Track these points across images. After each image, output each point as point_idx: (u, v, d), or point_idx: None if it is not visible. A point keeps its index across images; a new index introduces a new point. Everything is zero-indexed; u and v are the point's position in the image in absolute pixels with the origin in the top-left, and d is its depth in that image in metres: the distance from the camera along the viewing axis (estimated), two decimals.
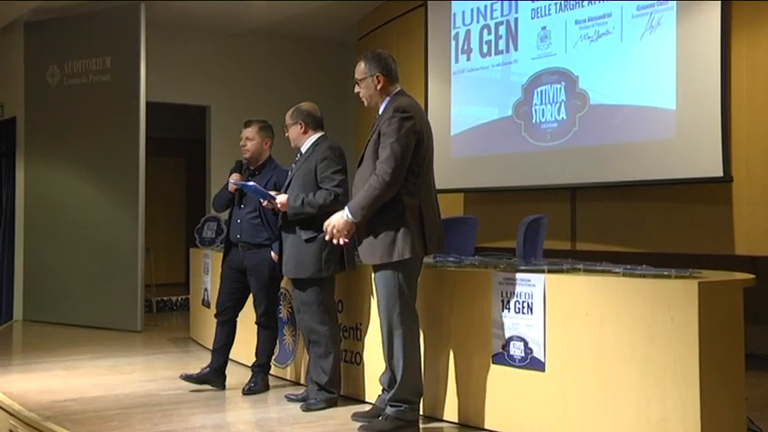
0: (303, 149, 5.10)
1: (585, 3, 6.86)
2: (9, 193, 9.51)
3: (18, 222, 9.33)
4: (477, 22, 7.93)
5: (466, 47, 8.07)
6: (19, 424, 5.12)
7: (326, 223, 4.32)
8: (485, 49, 7.86)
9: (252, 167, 5.51)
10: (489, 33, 7.80)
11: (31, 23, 9.17)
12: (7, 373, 6.29)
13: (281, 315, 5.80)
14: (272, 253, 5.26)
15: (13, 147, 9.42)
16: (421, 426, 4.41)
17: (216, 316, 5.55)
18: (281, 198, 4.93)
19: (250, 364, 5.59)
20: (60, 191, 9.01)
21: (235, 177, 5.37)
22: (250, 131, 5.47)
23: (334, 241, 4.32)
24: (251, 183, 5.17)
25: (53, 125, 9.10)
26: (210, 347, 5.82)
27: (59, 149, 9.05)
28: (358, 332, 5.17)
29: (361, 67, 4.40)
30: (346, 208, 4.25)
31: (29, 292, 9.21)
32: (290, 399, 5.14)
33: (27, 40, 9.27)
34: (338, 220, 4.25)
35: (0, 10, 8.98)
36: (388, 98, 4.35)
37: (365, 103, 4.47)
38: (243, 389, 5.44)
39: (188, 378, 5.47)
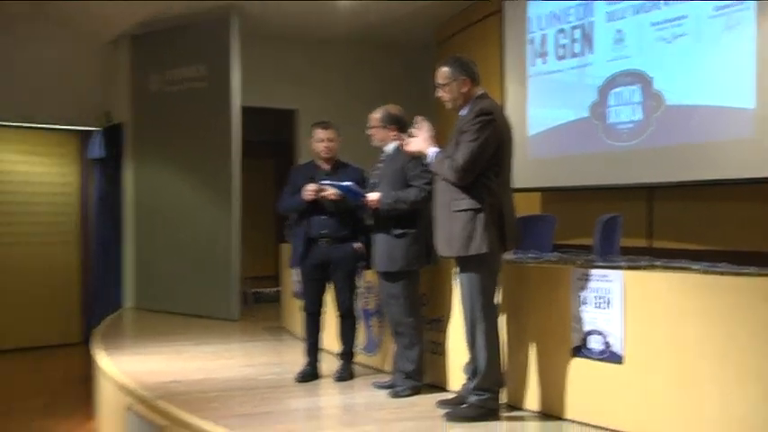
0: (388, 150, 5.14)
1: (661, 4, 6.72)
2: (117, 192, 9.82)
3: (128, 219, 9.63)
4: (553, 26, 7.86)
5: (542, 51, 8.00)
6: (135, 402, 5.31)
7: (418, 135, 4.46)
8: (560, 52, 7.79)
9: (327, 167, 5.54)
10: (565, 37, 7.73)
11: (136, 37, 9.44)
12: (121, 356, 6.48)
13: (369, 307, 5.86)
14: (357, 245, 5.32)
15: (121, 150, 9.71)
16: (503, 414, 4.41)
17: (309, 314, 5.57)
18: (374, 196, 4.98)
19: (336, 353, 5.66)
20: (163, 190, 9.26)
21: (312, 187, 5.34)
22: (332, 133, 5.50)
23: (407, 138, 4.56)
24: (346, 183, 5.21)
25: (155, 130, 9.36)
26: (300, 337, 5.90)
27: (161, 152, 9.30)
28: (440, 324, 5.18)
29: (445, 72, 4.39)
30: (435, 150, 4.36)
31: (139, 283, 9.51)
32: (377, 386, 5.18)
33: (132, 52, 9.54)
34: (427, 143, 4.41)
35: (108, 25, 9.31)
36: (471, 101, 4.35)
37: (449, 106, 4.45)
38: (333, 376, 5.50)
39: (303, 379, 5.48)
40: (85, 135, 10.46)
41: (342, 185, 5.18)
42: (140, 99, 9.50)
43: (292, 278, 7.31)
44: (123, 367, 6.00)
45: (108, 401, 6.15)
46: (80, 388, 7.40)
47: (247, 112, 8.99)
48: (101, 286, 10.07)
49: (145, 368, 6.01)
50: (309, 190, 5.30)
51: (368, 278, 5.72)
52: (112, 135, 9.82)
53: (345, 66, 10.70)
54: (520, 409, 4.55)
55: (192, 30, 8.98)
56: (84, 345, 8.64)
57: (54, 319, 10.51)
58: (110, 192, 9.97)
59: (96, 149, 10.15)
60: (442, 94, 4.42)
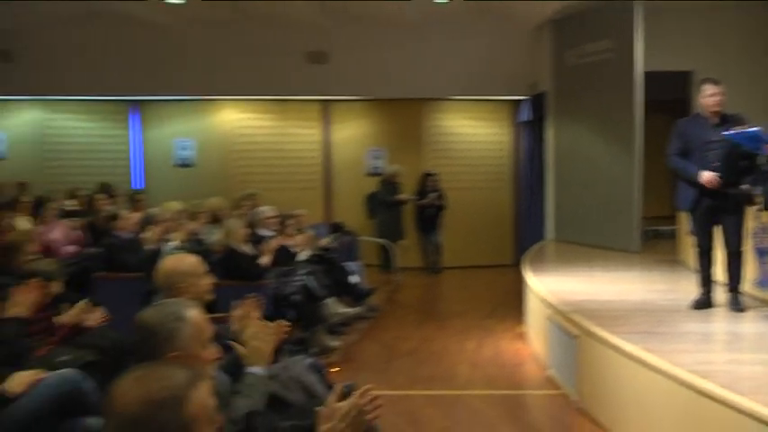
0: None
1: None
2: (541, 147, 9.99)
3: (549, 168, 9.73)
4: None
5: None
6: (554, 313, 5.49)
7: None
8: None
9: (715, 120, 4.99)
10: None
11: (556, 21, 9.43)
12: (545, 277, 6.65)
13: (763, 245, 5.29)
14: (747, 187, 4.81)
15: (544, 113, 9.83)
16: None
17: (702, 251, 5.16)
18: None
19: (726, 285, 5.18)
20: (577, 144, 9.21)
21: (710, 179, 4.84)
22: (720, 88, 4.97)
23: None
24: (754, 129, 4.70)
25: (571, 95, 9.29)
26: (694, 269, 5.53)
27: (575, 113, 9.24)
28: None
29: None
30: None
31: (557, 219, 9.60)
32: None
33: (553, 34, 9.56)
34: None
35: (535, 15, 9.47)
36: None
37: None
38: (727, 306, 5.09)
39: (697, 306, 5.14)
40: (516, 103, 10.81)
41: (748, 132, 4.68)
42: (559, 71, 9.50)
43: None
44: (545, 286, 6.19)
45: (533, 311, 6.42)
46: (513, 299, 7.77)
47: (648, 75, 8.51)
48: (528, 221, 10.44)
49: (562, 287, 6.13)
50: (708, 180, 4.86)
51: (764, 219, 5.16)
52: (537, 102, 9.98)
53: (735, 28, 9.51)
54: None
55: (601, 11, 8.71)
56: (515, 266, 9.04)
57: (493, 246, 11.17)
58: (535, 147, 10.21)
59: (525, 114, 10.44)
60: None
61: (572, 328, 5.02)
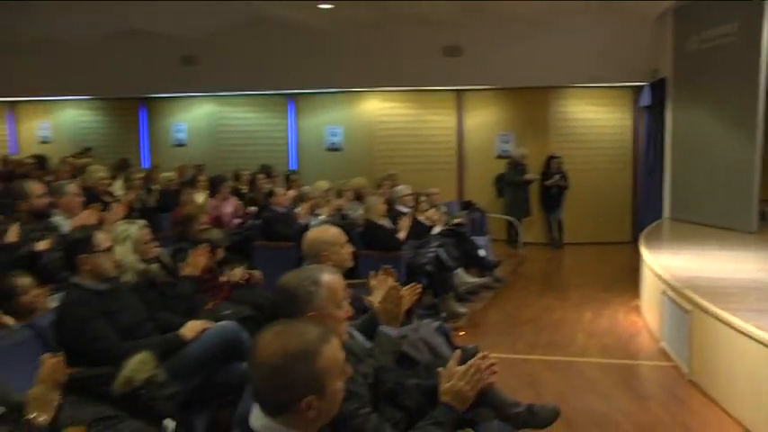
0: None
1: None
2: (660, 130, 9.38)
3: (667, 150, 9.14)
4: None
5: None
6: (667, 288, 5.20)
7: None
8: None
9: None
10: None
11: (677, 10, 8.77)
12: (660, 254, 6.29)
13: None
14: None
15: (664, 97, 9.21)
16: None
17: None
18: None
19: None
20: (696, 126, 8.54)
21: None
22: None
23: None
24: None
25: (691, 80, 8.61)
26: None
27: (695, 97, 8.55)
28: None
29: None
30: None
31: (674, 199, 9.01)
32: None
33: (674, 22, 8.90)
34: None
35: (656, 6, 8.84)
36: None
37: None
38: None
39: None
40: (637, 89, 10.24)
41: None
42: (680, 57, 8.82)
43: None
44: (660, 262, 5.86)
45: (648, 286, 6.10)
46: (630, 274, 7.42)
47: None
48: (646, 201, 9.87)
49: (677, 264, 5.78)
50: None
51: None
52: (657, 87, 9.38)
53: None
54: None
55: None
56: (632, 243, 8.61)
57: (612, 223, 10.68)
58: (654, 130, 9.60)
59: (645, 98, 9.86)
60: None
61: (685, 302, 4.73)
